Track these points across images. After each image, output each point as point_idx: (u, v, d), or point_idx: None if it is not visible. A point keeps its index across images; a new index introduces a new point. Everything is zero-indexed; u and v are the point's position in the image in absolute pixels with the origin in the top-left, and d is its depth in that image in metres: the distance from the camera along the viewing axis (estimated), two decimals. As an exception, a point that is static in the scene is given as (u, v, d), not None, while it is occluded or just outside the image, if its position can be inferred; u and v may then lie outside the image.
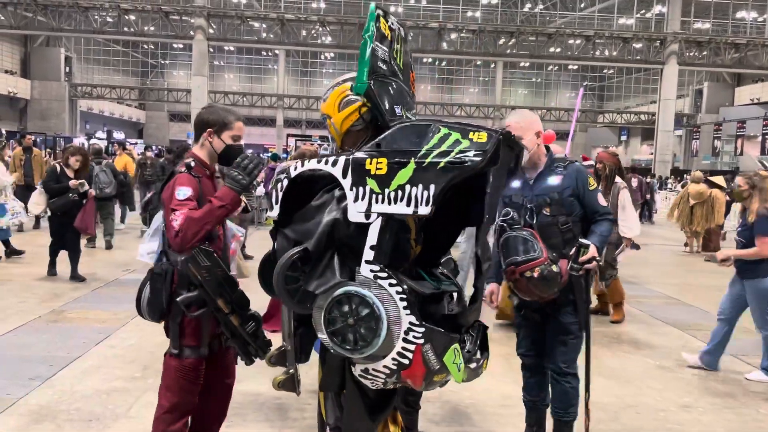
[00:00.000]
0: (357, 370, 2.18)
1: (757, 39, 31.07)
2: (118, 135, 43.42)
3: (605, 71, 51.69)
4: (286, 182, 2.28)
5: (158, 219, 3.44)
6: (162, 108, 49.59)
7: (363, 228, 2.11)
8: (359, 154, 2.17)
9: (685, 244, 12.12)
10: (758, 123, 39.22)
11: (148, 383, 3.94)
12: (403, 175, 2.07)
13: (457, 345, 2.12)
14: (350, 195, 2.13)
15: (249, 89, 50.02)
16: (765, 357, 4.69)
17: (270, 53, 49.72)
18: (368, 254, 2.08)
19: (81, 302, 6.07)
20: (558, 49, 31.90)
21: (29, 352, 4.46)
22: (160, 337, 3.56)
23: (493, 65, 47.10)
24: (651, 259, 10.75)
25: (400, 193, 2.07)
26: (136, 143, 35.20)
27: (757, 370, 4.75)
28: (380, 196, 2.09)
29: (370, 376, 2.15)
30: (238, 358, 2.65)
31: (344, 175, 2.16)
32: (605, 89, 54.00)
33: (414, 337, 2.03)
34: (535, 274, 2.77)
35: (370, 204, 2.10)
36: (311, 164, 2.25)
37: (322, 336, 2.13)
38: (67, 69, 40.65)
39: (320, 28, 31.75)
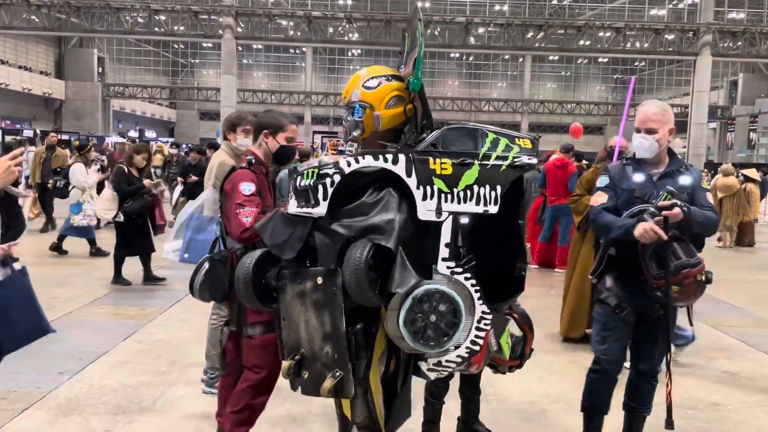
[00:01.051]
0: (428, 364, 2.24)
1: (794, 28, 30.14)
2: (150, 134, 44.15)
3: (636, 64, 50.70)
4: (337, 178, 2.23)
5: (181, 218, 3.51)
6: (192, 107, 50.26)
7: (426, 226, 2.19)
8: (420, 154, 2.25)
9: (719, 239, 11.87)
10: (796, 115, 38.06)
11: (174, 378, 4.01)
12: (470, 176, 2.21)
13: (509, 326, 2.33)
14: (418, 194, 2.19)
15: (277, 87, 50.40)
16: None
17: (297, 51, 49.97)
18: (444, 252, 2.18)
19: (110, 298, 6.20)
20: (587, 42, 31.41)
21: (60, 347, 4.55)
22: (187, 332, 3.68)
23: (521, 59, 46.61)
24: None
25: (468, 192, 2.20)
26: (167, 142, 35.74)
27: None
28: (449, 196, 2.20)
29: (441, 368, 2.24)
30: None
31: (408, 174, 2.20)
32: (637, 82, 52.96)
33: (485, 324, 2.21)
34: (703, 278, 2.75)
35: (439, 203, 2.19)
36: (367, 161, 2.24)
37: (397, 335, 2.14)
38: (100, 69, 41.48)
39: (347, 25, 31.78)
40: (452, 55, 50.11)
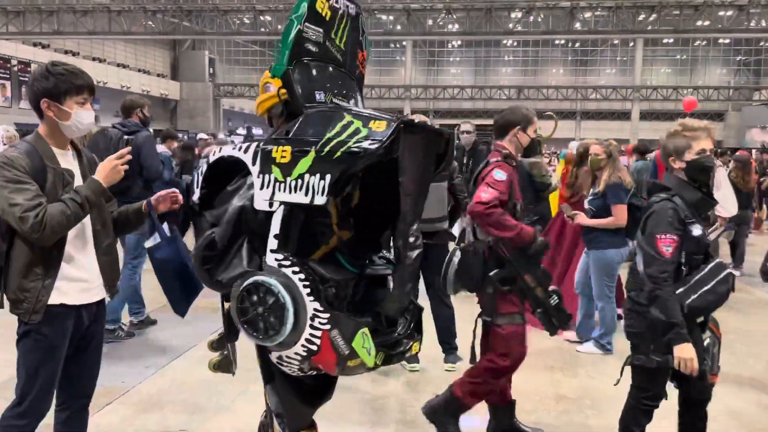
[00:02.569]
0: (273, 357, 2.21)
1: None
2: (257, 131, 45.81)
3: (762, 44, 46.51)
4: (205, 167, 2.35)
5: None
6: (299, 104, 51.52)
7: (270, 216, 2.13)
8: (268, 142, 2.20)
9: None
10: None
11: (257, 375, 3.89)
12: (304, 164, 2.07)
13: (365, 329, 2.09)
14: (257, 182, 2.15)
15: (377, 81, 50.68)
16: (600, 327, 4.65)
17: (397, 45, 50.03)
18: (272, 243, 2.11)
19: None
20: (706, 23, 29.11)
21: (152, 339, 4.63)
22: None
23: (632, 44, 44.06)
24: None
25: (299, 182, 2.06)
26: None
27: (589, 343, 4.70)
28: (282, 185, 2.10)
29: (285, 363, 2.19)
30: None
31: (254, 162, 2.18)
32: (762, 63, 48.67)
33: (320, 323, 2.05)
34: None
35: (273, 192, 2.11)
36: (226, 150, 2.30)
37: (239, 326, 2.18)
38: (211, 70, 43.54)
39: (446, 16, 31.35)
40: (556, 42, 48.28)
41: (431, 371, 4.10)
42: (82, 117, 2.22)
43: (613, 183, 4.39)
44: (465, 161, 5.76)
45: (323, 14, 2.27)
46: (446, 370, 4.07)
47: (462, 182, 4.17)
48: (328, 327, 2.05)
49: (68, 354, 2.26)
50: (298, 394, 2.36)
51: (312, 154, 2.06)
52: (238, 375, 3.82)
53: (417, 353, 2.41)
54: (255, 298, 2.09)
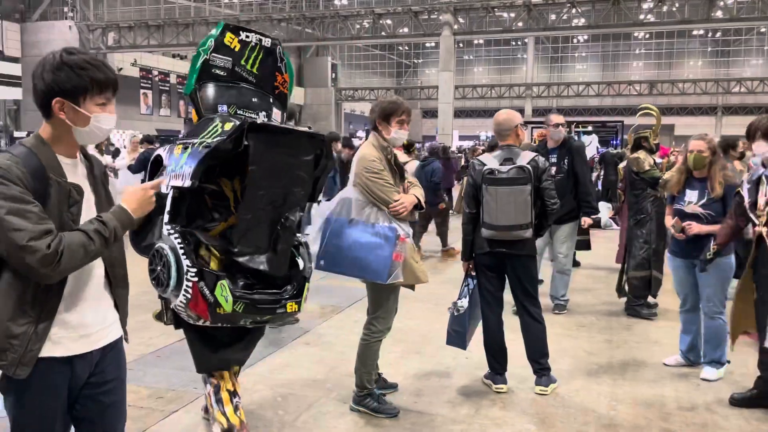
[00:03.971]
0: (173, 306, 2.71)
1: None
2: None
3: None
4: (149, 163, 3.08)
5: (319, 220, 3.23)
6: (416, 106, 52.04)
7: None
8: (176, 142, 2.85)
9: None
10: None
11: (327, 388, 3.75)
12: (184, 157, 2.67)
13: (223, 281, 2.59)
14: (165, 172, 2.81)
15: (498, 81, 49.85)
16: (719, 348, 3.98)
17: (519, 42, 48.84)
18: (165, 218, 2.66)
19: None
20: None
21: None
22: (355, 336, 3.37)
23: (782, 30, 39.91)
24: None
25: (181, 170, 2.65)
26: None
27: (709, 367, 4.00)
28: (173, 173, 2.70)
29: (178, 310, 2.69)
30: None
31: (168, 158, 2.86)
32: None
33: (191, 276, 2.57)
34: None
35: (169, 179, 2.71)
36: (159, 150, 3.01)
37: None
38: (333, 75, 44.87)
39: (572, 10, 30.03)
40: (694, 32, 44.74)
41: (519, 393, 3.72)
42: (102, 122, 1.80)
43: (734, 183, 3.84)
44: (556, 160, 5.16)
45: (232, 47, 2.91)
46: (537, 393, 3.66)
47: (552, 185, 3.68)
48: (196, 279, 2.56)
49: (74, 412, 1.88)
50: (207, 344, 2.84)
51: (189, 149, 2.67)
52: (309, 386, 3.69)
53: (294, 312, 2.80)
54: (156, 260, 2.63)
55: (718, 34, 45.73)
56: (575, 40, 49.90)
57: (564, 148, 5.30)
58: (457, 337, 3.72)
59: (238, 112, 2.91)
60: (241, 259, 2.67)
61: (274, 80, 3.07)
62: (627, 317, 5.37)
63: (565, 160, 5.21)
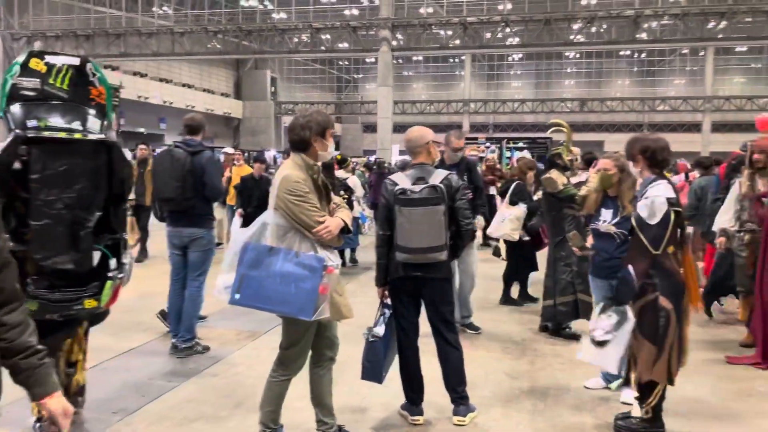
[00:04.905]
0: None
1: None
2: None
3: None
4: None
5: (234, 247, 3.06)
6: (356, 120, 52.25)
7: None
8: None
9: None
10: None
11: (230, 427, 3.56)
12: None
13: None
14: None
15: (437, 96, 50.59)
16: None
17: (456, 59, 49.75)
18: None
19: (220, 318, 5.86)
20: (782, 28, 27.42)
21: (133, 376, 4.31)
22: (270, 366, 3.17)
23: (702, 52, 42.12)
24: None
25: None
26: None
27: (628, 389, 3.89)
28: None
29: None
30: None
31: None
32: None
33: None
34: None
35: None
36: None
37: None
38: (273, 89, 44.46)
39: (506, 29, 30.82)
40: (621, 52, 46.71)
41: (437, 424, 3.64)
42: None
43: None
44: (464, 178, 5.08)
45: (38, 69, 3.11)
46: (455, 424, 3.59)
47: (466, 204, 3.59)
48: None
49: None
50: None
51: None
52: (211, 425, 3.46)
53: (95, 308, 3.05)
54: None
55: (644, 55, 47.90)
56: (510, 59, 51.23)
57: (462, 164, 5.30)
58: (373, 369, 3.55)
59: (48, 124, 3.08)
60: (43, 263, 2.91)
61: (88, 94, 3.25)
62: (551, 338, 5.41)
63: (465, 177, 5.18)
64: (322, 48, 33.43)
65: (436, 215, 3.40)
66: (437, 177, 3.49)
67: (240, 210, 8.24)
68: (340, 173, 9.33)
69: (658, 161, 3.42)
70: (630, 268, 3.30)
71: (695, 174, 9.36)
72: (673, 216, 3.28)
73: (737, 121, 39.81)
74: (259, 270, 2.96)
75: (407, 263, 3.48)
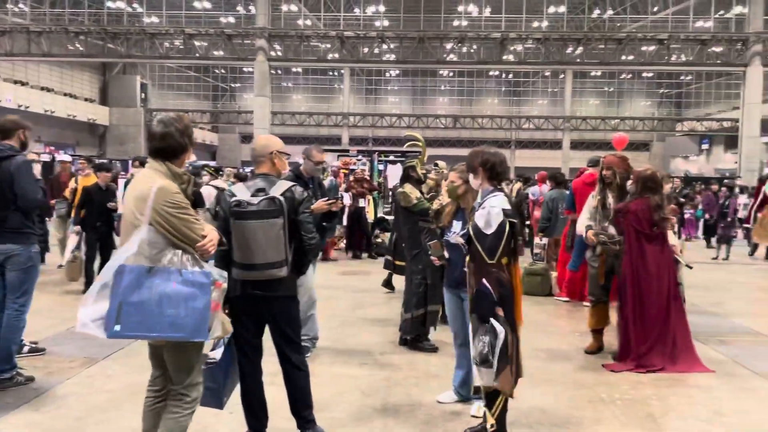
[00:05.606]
0: None
1: None
2: (191, 157, 44.57)
3: (682, 77, 48.76)
4: None
5: (105, 274, 2.69)
6: (234, 130, 51.00)
7: None
8: None
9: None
10: None
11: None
12: None
13: None
14: None
15: (317, 109, 50.58)
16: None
17: (335, 73, 50.07)
18: None
19: (52, 343, 5.32)
20: (631, 56, 30.13)
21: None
22: (103, 396, 2.83)
23: (561, 75, 45.36)
24: (736, 283, 9.40)
25: None
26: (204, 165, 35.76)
27: (479, 402, 3.91)
28: None
29: None
30: None
31: None
32: (683, 96, 51.03)
33: None
34: None
35: None
36: None
37: None
38: (143, 95, 42.25)
39: (383, 46, 31.40)
40: (491, 72, 49.23)
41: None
42: None
43: None
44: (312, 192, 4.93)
45: None
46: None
47: (310, 218, 3.38)
48: None
49: None
50: None
51: None
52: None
53: None
54: None
55: (511, 76, 50.78)
56: (388, 74, 52.36)
57: (316, 179, 5.19)
58: (212, 396, 3.24)
59: None
60: None
61: None
62: (410, 351, 5.40)
63: (319, 193, 5.06)
64: (196, 55, 32.32)
65: (274, 229, 3.18)
66: (279, 188, 3.28)
67: (77, 227, 7.53)
68: (217, 183, 9.12)
69: (497, 173, 3.51)
70: (484, 281, 3.33)
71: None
72: (508, 227, 3.35)
73: (593, 139, 43.25)
74: (140, 294, 2.62)
75: (245, 281, 3.26)
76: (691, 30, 31.56)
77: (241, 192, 3.31)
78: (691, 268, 5.83)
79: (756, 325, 6.65)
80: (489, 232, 3.33)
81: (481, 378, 3.35)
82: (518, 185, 13.08)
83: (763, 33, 27.07)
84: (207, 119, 49.55)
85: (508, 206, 3.40)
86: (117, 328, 2.59)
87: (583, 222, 5.73)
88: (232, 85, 54.55)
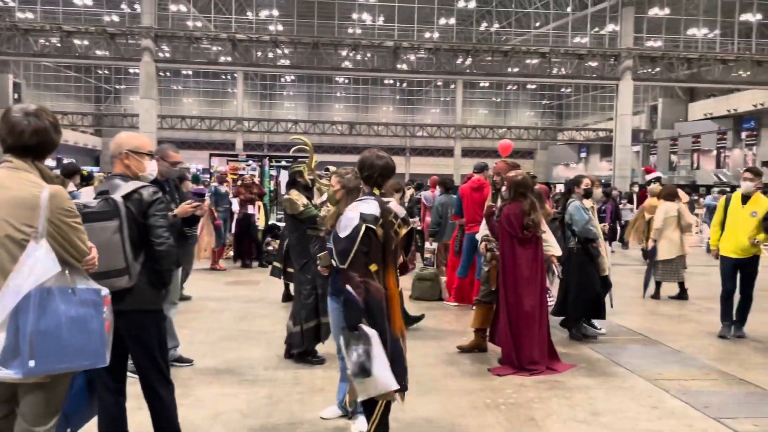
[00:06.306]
0: None
1: (708, 54, 31.16)
2: (67, 160, 41.82)
3: (563, 89, 51.94)
4: None
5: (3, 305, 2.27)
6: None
7: None
8: None
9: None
10: (712, 137, 40.00)
11: None
12: None
13: None
14: None
15: (209, 113, 49.07)
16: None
17: (228, 76, 48.79)
18: None
19: None
20: (516, 68, 31.56)
21: None
22: None
23: (453, 85, 46.82)
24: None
25: None
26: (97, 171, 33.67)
27: (362, 417, 3.75)
28: None
29: None
30: None
31: None
32: (563, 107, 54.32)
33: None
34: None
35: None
36: None
37: None
38: (16, 96, 39.09)
39: (278, 50, 30.89)
40: (385, 81, 49.89)
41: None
42: None
43: None
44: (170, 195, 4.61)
45: None
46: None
47: (162, 222, 3.03)
48: None
49: None
50: None
51: None
52: None
53: None
54: None
55: (405, 85, 51.77)
56: (283, 79, 51.74)
57: (172, 180, 4.87)
58: (57, 427, 2.89)
59: None
60: None
61: None
62: (295, 365, 5.19)
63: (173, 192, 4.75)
64: (76, 54, 30.28)
65: (106, 233, 2.84)
66: (124, 189, 2.96)
67: None
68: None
69: (373, 179, 3.37)
70: (348, 287, 3.17)
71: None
72: (363, 231, 3.17)
73: (482, 147, 44.91)
74: (47, 320, 2.29)
75: None
76: (570, 45, 33.52)
77: (88, 195, 3.01)
78: (561, 279, 6.08)
79: (630, 324, 6.99)
80: (343, 235, 3.17)
81: (359, 390, 3.18)
82: (411, 191, 13.20)
83: (634, 49, 29.21)
84: (89, 122, 46.74)
85: (372, 212, 3.20)
86: (31, 364, 2.26)
87: (482, 231, 5.82)
88: (117, 86, 51.93)
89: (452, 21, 38.88)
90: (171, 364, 4.89)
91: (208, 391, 4.46)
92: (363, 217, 3.17)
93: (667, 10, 36.29)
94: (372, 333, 3.12)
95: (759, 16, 34.85)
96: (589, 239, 6.19)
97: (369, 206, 3.23)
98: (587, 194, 6.46)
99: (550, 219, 6.30)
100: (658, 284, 8.63)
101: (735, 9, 34.58)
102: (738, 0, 34.52)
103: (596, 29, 36.62)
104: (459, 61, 31.20)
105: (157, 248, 2.99)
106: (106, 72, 49.66)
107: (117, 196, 2.91)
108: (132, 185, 3.00)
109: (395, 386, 3.13)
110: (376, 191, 3.36)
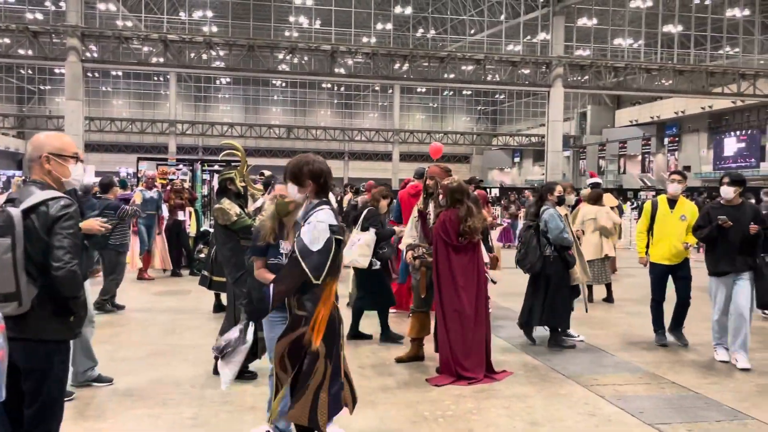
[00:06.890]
0: None
1: (634, 63, 32.48)
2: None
3: (497, 96, 53.09)
4: None
5: None
6: (43, 137, 46.09)
7: None
8: None
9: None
10: (637, 143, 41.87)
11: None
12: None
13: None
14: None
15: (141, 115, 47.53)
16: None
17: (161, 78, 47.34)
18: None
19: None
20: (452, 74, 31.95)
21: None
22: None
23: (390, 90, 47.01)
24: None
25: None
26: (14, 175, 31.82)
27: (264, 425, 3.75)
28: None
29: None
30: None
31: None
32: (498, 113, 55.53)
33: None
34: None
35: None
36: None
37: None
38: None
39: (212, 52, 30.11)
40: (323, 85, 49.59)
41: None
42: None
43: None
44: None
45: None
46: None
47: (66, 242, 2.60)
48: None
49: None
50: None
51: None
52: None
53: None
54: None
55: (342, 89, 51.61)
56: (218, 82, 50.66)
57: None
58: None
59: None
60: None
61: None
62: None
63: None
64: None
65: None
66: (31, 200, 2.60)
67: None
68: None
69: (327, 186, 3.20)
70: (271, 287, 3.00)
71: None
72: (334, 245, 3.05)
73: (420, 152, 45.32)
74: None
75: None
76: (504, 52, 34.21)
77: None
78: (494, 283, 6.04)
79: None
80: (315, 249, 2.99)
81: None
82: (349, 195, 13.02)
83: (564, 57, 30.07)
84: (11, 124, 44.46)
85: (335, 221, 3.07)
86: None
87: (405, 240, 5.70)
88: (42, 87, 49.64)
89: (389, 26, 39.06)
90: (89, 384, 4.60)
91: (128, 413, 4.15)
92: (332, 230, 3.03)
93: (595, 21, 37.67)
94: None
95: (680, 28, 36.64)
96: (564, 247, 6.14)
97: (330, 216, 3.07)
98: (560, 201, 6.39)
99: (522, 224, 6.35)
100: (589, 288, 8.76)
101: (658, 21, 36.27)
102: (661, 12, 36.20)
103: (528, 37, 37.57)
104: (396, 66, 31.30)
105: (53, 273, 2.55)
106: (30, 72, 47.43)
107: (15, 209, 2.56)
108: (41, 196, 2.61)
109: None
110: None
